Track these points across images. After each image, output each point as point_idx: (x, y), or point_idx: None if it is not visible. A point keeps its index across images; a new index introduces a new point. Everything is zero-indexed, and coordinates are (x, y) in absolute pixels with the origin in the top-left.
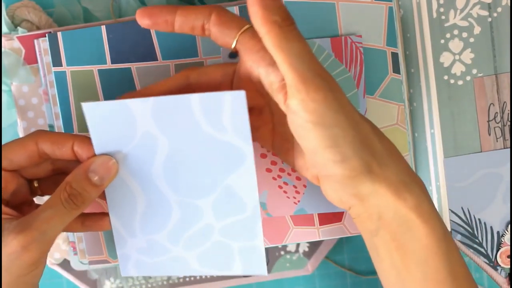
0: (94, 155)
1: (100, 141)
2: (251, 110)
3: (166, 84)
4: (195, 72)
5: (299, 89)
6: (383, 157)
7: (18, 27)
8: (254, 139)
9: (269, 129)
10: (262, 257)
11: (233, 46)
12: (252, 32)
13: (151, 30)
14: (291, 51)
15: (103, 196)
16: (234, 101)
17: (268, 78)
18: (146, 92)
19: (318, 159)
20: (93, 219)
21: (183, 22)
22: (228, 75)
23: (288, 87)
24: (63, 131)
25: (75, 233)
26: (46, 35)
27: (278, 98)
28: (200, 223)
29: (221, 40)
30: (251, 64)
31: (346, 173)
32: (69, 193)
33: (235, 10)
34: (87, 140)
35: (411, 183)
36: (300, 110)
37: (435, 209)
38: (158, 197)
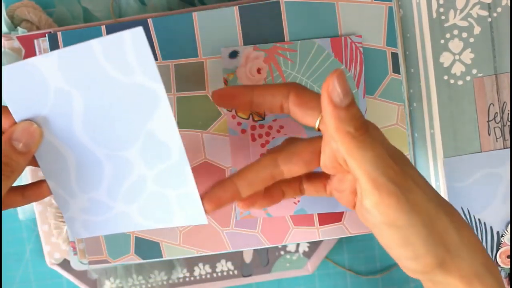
0: (15, 123)
1: (18, 107)
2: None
3: (255, 169)
4: (283, 154)
5: (373, 193)
6: (458, 249)
7: (18, 27)
8: (342, 202)
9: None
10: (198, 204)
11: (316, 126)
12: None
13: (150, 30)
14: (364, 158)
15: (35, 162)
16: (134, 40)
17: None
18: (239, 177)
19: (392, 254)
20: (32, 188)
21: (260, 103)
22: (316, 153)
23: (363, 190)
24: None
25: None
26: (46, 35)
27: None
28: (132, 174)
29: (302, 120)
30: (334, 144)
31: (419, 268)
32: None
33: (235, 10)
34: (5, 109)
35: (486, 274)
36: (374, 212)
37: None
38: (86, 154)
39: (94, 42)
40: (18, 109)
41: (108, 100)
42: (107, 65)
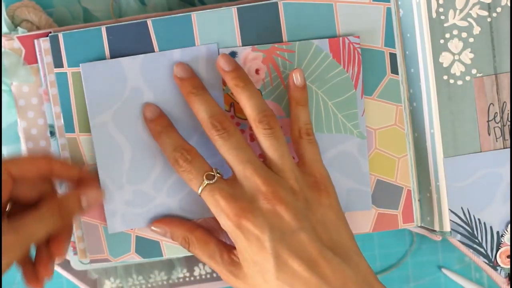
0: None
1: (93, 100)
2: None
3: None
4: None
5: None
6: None
7: (18, 27)
8: None
9: None
10: None
11: None
12: None
13: (150, 31)
14: None
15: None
16: (208, 52)
17: None
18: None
19: None
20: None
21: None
22: None
23: None
24: (64, 131)
25: (75, 233)
26: (48, 36)
27: None
28: None
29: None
30: None
31: None
32: (60, 210)
33: (233, 11)
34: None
35: None
36: None
37: None
38: (143, 148)
39: (176, 52)
40: (93, 101)
41: (176, 101)
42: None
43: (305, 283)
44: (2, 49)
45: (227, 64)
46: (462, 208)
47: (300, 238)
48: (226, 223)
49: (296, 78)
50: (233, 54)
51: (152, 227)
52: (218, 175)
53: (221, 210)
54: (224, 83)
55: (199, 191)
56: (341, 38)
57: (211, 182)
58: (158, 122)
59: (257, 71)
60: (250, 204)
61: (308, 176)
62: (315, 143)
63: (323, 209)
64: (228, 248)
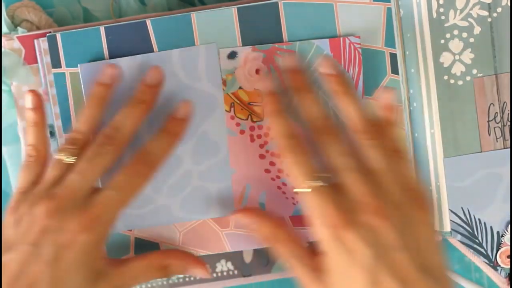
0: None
1: None
2: None
3: None
4: None
5: None
6: None
7: (18, 27)
8: None
9: None
10: (231, 197)
11: None
12: None
13: (149, 31)
14: None
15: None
16: (208, 52)
17: None
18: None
19: None
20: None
21: None
22: None
23: None
24: (62, 132)
25: None
26: (46, 36)
27: None
28: (180, 169)
29: None
30: None
31: None
32: (164, 272)
33: (234, 11)
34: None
35: None
36: None
37: None
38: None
39: (174, 52)
40: None
41: (174, 101)
42: (180, 71)
43: None
44: (2, 49)
45: (330, 67)
46: (462, 208)
47: (399, 256)
48: (322, 230)
49: (388, 99)
50: (233, 54)
51: (237, 216)
52: (325, 178)
53: (320, 215)
54: (225, 83)
55: (302, 190)
56: (341, 38)
57: (319, 184)
58: (279, 99)
59: (257, 71)
60: (352, 216)
61: (408, 190)
62: (408, 159)
63: (422, 227)
64: (315, 251)
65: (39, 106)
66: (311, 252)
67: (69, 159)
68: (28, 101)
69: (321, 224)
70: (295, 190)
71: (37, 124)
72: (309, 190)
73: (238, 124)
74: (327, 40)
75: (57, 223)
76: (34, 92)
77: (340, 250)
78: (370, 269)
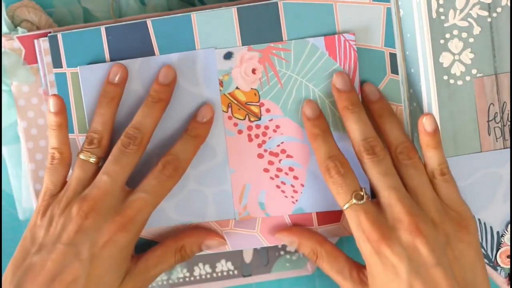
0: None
1: (91, 102)
2: None
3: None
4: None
5: None
6: None
7: (18, 27)
8: None
9: None
10: (230, 201)
11: None
12: None
13: (149, 31)
14: None
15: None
16: (206, 57)
17: None
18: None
19: None
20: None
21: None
22: None
23: None
24: None
25: None
26: (47, 36)
27: None
28: None
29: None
30: None
31: None
32: (181, 254)
33: (233, 11)
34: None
35: None
36: None
37: None
38: None
39: (173, 56)
40: (91, 103)
41: (171, 105)
42: (178, 74)
43: None
44: (2, 49)
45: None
46: None
47: (436, 274)
48: (364, 246)
49: (427, 125)
50: (229, 54)
51: (279, 235)
52: (366, 195)
53: (362, 231)
54: (222, 85)
55: (344, 207)
56: (336, 36)
57: (359, 202)
58: (317, 123)
59: (253, 70)
60: (391, 232)
61: (449, 210)
62: (452, 181)
63: (463, 245)
64: (357, 266)
65: (62, 110)
66: (354, 266)
67: (93, 159)
68: (51, 105)
69: (363, 240)
70: (342, 208)
71: (60, 127)
72: (351, 206)
73: (235, 124)
74: (322, 38)
75: (93, 223)
76: (57, 96)
77: (381, 264)
78: (408, 284)
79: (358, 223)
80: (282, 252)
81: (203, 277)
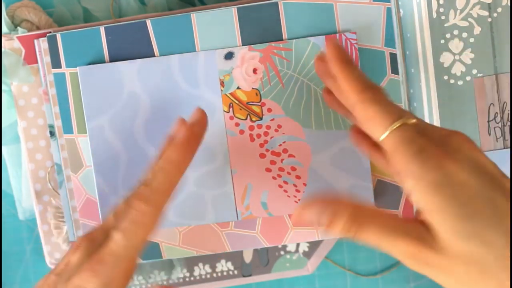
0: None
1: (90, 103)
2: None
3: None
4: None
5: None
6: None
7: (18, 27)
8: None
9: None
10: (232, 203)
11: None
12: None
13: (149, 31)
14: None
15: None
16: (206, 59)
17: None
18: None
19: None
20: None
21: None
22: None
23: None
24: (62, 132)
25: (75, 233)
26: (46, 36)
27: None
28: None
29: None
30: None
31: None
32: None
33: (234, 11)
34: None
35: None
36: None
37: None
38: (139, 153)
39: (173, 57)
40: (90, 105)
41: (172, 106)
42: (179, 77)
43: None
44: (2, 49)
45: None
46: None
47: (497, 172)
48: (423, 163)
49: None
50: (230, 55)
51: (297, 213)
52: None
53: (417, 149)
54: (223, 85)
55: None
56: (338, 35)
57: (408, 121)
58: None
59: (254, 70)
60: (444, 147)
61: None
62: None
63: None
64: (412, 219)
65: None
66: (408, 220)
67: None
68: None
69: (420, 159)
70: (380, 139)
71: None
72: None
73: (237, 124)
74: (323, 37)
75: None
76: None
77: (447, 183)
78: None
79: (412, 140)
80: (282, 252)
81: (203, 277)
